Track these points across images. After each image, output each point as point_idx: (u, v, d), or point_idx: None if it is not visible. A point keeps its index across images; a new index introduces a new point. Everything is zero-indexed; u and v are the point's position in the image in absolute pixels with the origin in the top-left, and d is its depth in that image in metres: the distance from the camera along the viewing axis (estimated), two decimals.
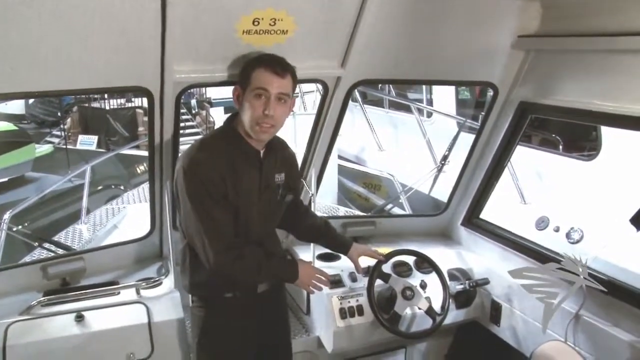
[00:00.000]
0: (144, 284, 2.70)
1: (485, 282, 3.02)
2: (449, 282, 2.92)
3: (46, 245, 4.21)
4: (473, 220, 3.35)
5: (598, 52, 2.48)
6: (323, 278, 2.42)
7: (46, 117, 17.93)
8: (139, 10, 2.04)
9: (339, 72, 2.64)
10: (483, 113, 3.72)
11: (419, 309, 2.75)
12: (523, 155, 4.06)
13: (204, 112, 16.51)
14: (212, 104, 17.11)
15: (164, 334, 2.49)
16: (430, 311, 2.73)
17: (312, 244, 2.93)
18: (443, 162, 5.54)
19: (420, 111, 7.07)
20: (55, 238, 4.79)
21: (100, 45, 2.11)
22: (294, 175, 2.48)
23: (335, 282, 2.83)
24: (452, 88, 6.88)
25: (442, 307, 2.81)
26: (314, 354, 2.95)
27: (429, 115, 7.10)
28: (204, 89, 15.11)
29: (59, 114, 16.66)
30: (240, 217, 2.20)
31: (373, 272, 2.71)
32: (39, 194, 6.41)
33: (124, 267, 2.94)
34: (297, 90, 2.70)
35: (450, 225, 3.54)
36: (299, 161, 2.74)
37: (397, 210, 5.93)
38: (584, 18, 2.46)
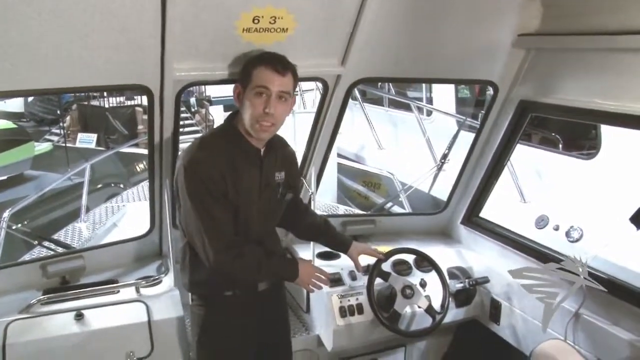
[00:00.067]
0: (143, 282, 2.69)
1: (485, 280, 3.02)
2: (448, 281, 2.92)
3: (46, 243, 4.22)
4: (473, 219, 3.35)
5: (598, 50, 2.47)
6: (323, 277, 2.41)
7: (45, 115, 17.93)
8: (139, 8, 2.04)
9: (339, 70, 2.63)
10: (483, 111, 3.72)
11: (419, 307, 2.75)
12: (523, 154, 4.06)
13: (203, 110, 16.52)
14: (211, 102, 17.12)
15: (163, 333, 2.49)
16: (430, 310, 2.74)
17: (311, 243, 2.93)
18: (443, 161, 5.54)
19: (420, 110, 7.07)
20: (55, 236, 4.79)
21: (100, 43, 2.11)
22: (294, 174, 2.48)
23: (335, 280, 2.83)
24: (452, 86, 6.87)
25: (442, 306, 2.81)
26: (313, 352, 2.95)
27: (429, 113, 7.10)
28: (203, 87, 15.12)
29: (58, 112, 16.65)
30: (240, 215, 2.20)
31: (373, 271, 2.71)
32: (38, 192, 6.41)
33: (124, 265, 2.93)
34: (297, 88, 2.70)
35: (450, 223, 3.54)
36: (299, 159, 2.74)
37: (396, 209, 5.93)
38: (584, 16, 2.46)
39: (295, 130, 5.72)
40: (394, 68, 2.77)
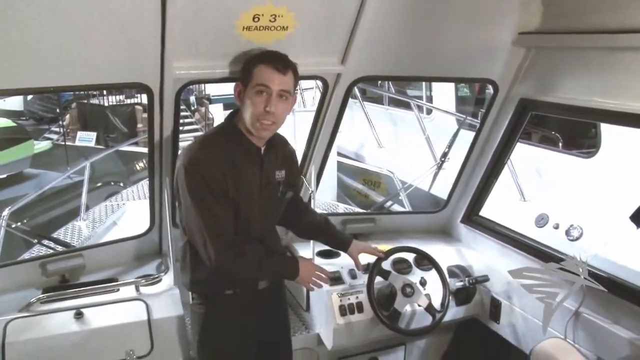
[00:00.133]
0: (143, 281, 2.70)
1: (485, 279, 3.02)
2: (448, 279, 2.92)
3: (45, 242, 4.22)
4: (473, 218, 3.35)
5: (599, 49, 2.47)
6: (323, 275, 2.41)
7: (45, 114, 17.91)
8: (139, 6, 2.03)
9: (339, 68, 2.63)
10: (483, 110, 3.72)
11: (419, 306, 2.75)
12: (523, 153, 4.06)
13: (202, 109, 16.49)
14: (211, 101, 17.09)
15: (163, 331, 2.49)
16: (429, 308, 2.74)
17: (311, 241, 2.93)
18: (443, 159, 5.54)
19: (420, 108, 7.06)
20: (55, 235, 4.78)
21: (100, 42, 2.10)
22: (294, 172, 2.48)
23: (335, 279, 2.83)
24: (452, 85, 6.87)
25: (442, 304, 2.81)
26: (313, 351, 2.95)
27: (429, 112, 7.10)
28: (202, 85, 15.09)
29: (57, 110, 16.63)
30: (240, 214, 2.20)
31: (373, 269, 2.71)
32: (37, 190, 6.42)
33: (123, 264, 2.93)
34: (297, 87, 2.69)
35: (450, 222, 3.54)
36: (299, 158, 2.74)
37: (396, 207, 5.93)
38: (584, 15, 2.46)
39: (295, 129, 5.72)
40: (394, 66, 2.77)
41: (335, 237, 2.70)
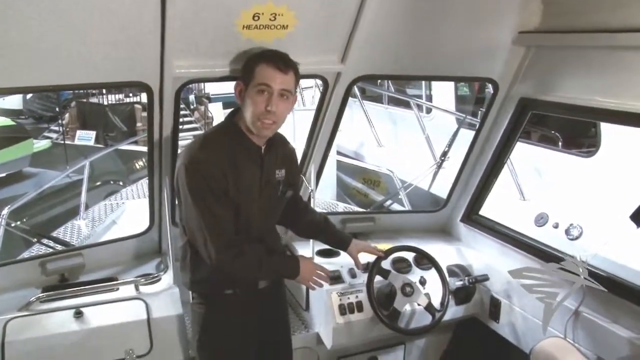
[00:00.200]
0: (142, 280, 2.69)
1: (485, 278, 3.02)
2: (448, 279, 2.92)
3: (45, 241, 4.22)
4: (472, 217, 3.34)
5: (599, 48, 2.47)
6: (323, 274, 2.41)
7: (44, 112, 17.85)
8: (139, 5, 2.03)
9: (339, 67, 2.63)
10: (483, 109, 3.72)
11: (419, 305, 2.74)
12: (523, 152, 4.06)
13: (202, 108, 16.47)
14: (210, 100, 17.05)
15: (163, 330, 2.49)
16: (429, 307, 2.73)
17: (311, 240, 2.93)
18: (442, 158, 5.54)
19: (419, 107, 7.06)
20: (54, 234, 4.79)
21: (100, 41, 2.10)
22: (294, 171, 2.48)
23: (335, 278, 2.83)
24: (452, 84, 6.86)
25: (442, 304, 2.81)
26: (313, 350, 2.95)
27: (429, 111, 7.09)
28: (202, 84, 15.07)
29: (57, 109, 16.59)
30: (241, 213, 2.20)
31: (372, 269, 2.71)
32: (37, 189, 6.40)
33: (123, 263, 2.93)
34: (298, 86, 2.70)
35: (449, 221, 3.54)
36: (299, 157, 2.74)
37: (396, 207, 5.93)
38: (585, 14, 2.45)
39: (294, 128, 5.71)
40: (393, 65, 2.76)
41: (334, 236, 2.70)
